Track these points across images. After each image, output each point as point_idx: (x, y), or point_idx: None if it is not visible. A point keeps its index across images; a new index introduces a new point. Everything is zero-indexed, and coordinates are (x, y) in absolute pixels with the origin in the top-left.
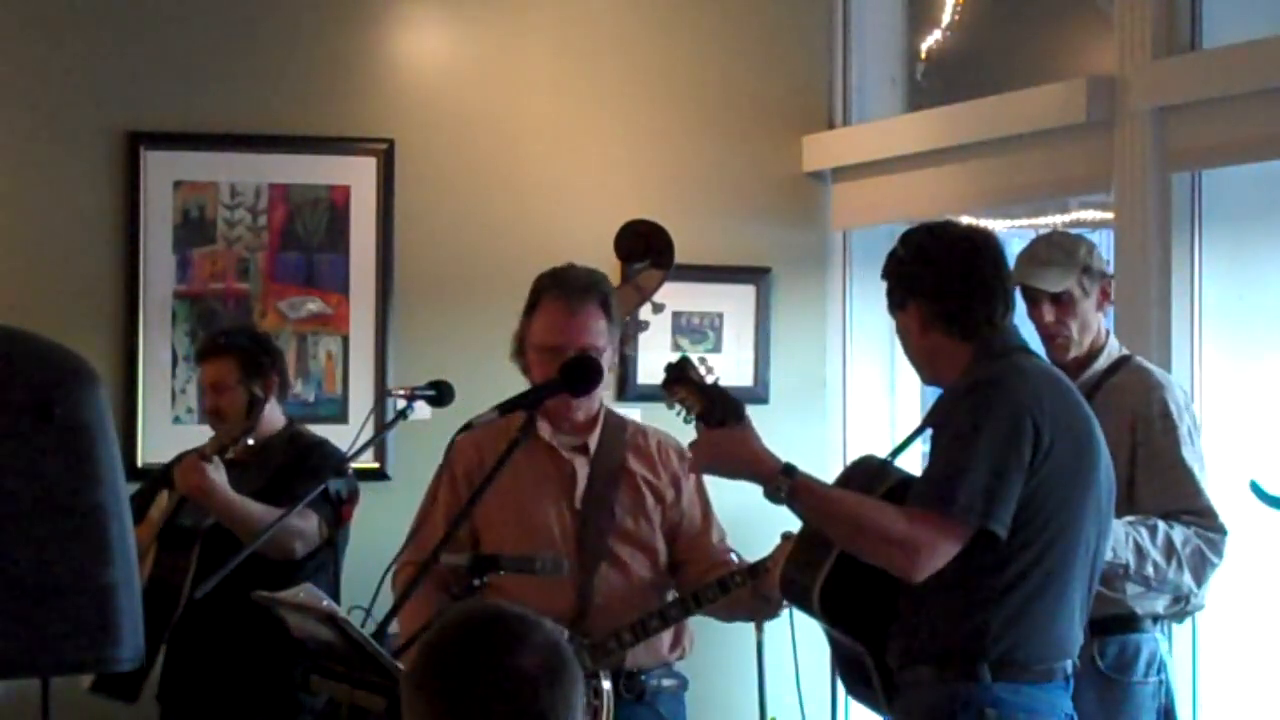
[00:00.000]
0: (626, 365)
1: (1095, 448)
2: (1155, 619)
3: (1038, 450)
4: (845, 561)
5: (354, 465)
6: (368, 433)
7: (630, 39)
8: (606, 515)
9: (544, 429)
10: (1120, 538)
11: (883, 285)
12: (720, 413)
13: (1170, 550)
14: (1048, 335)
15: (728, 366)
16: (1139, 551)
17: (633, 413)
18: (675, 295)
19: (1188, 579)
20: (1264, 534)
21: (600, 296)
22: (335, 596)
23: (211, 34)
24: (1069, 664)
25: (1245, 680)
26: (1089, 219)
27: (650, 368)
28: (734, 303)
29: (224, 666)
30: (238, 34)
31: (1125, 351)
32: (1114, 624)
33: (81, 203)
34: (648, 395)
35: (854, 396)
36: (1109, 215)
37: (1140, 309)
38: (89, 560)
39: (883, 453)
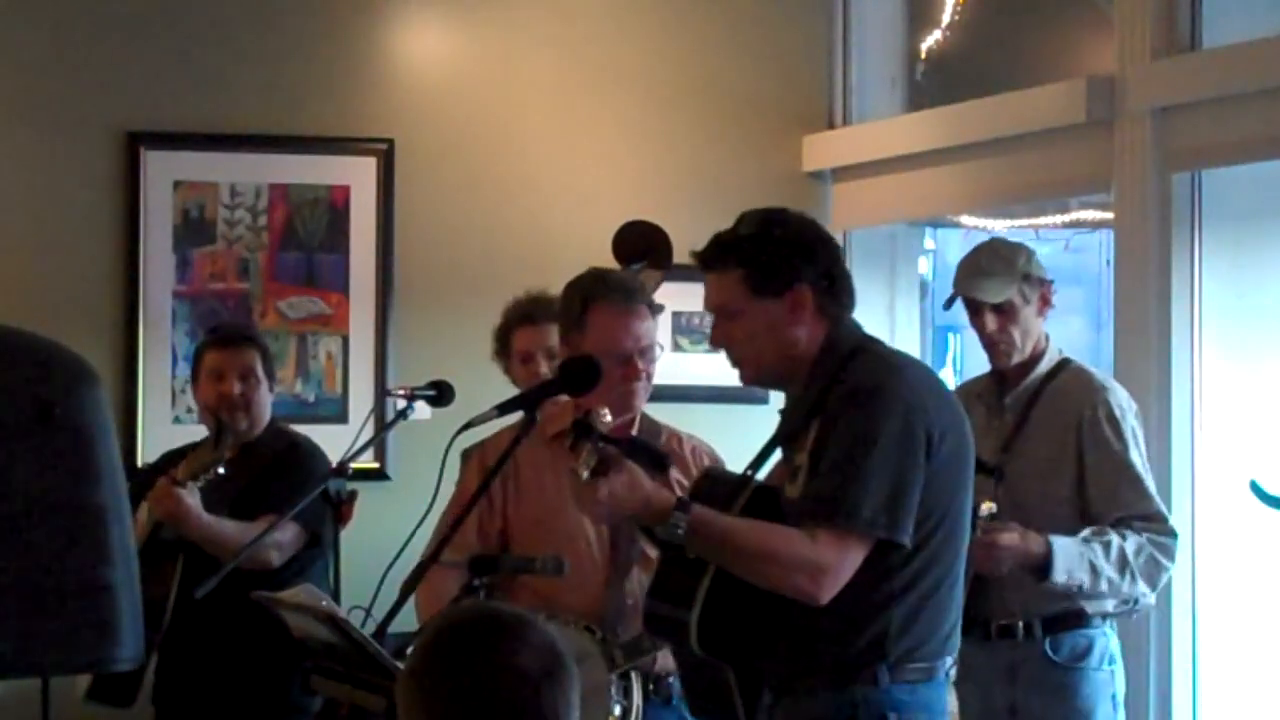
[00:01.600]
0: None
1: (970, 439)
2: (1104, 616)
3: (930, 451)
4: (715, 593)
5: (354, 465)
6: (368, 433)
7: (630, 39)
8: (632, 524)
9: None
10: (1074, 557)
11: (878, 283)
12: (642, 462)
13: (1124, 564)
14: (991, 343)
15: (728, 366)
16: (1093, 571)
17: None
18: (675, 295)
19: (1141, 587)
20: (1264, 534)
21: (645, 297)
22: (335, 596)
23: (211, 34)
24: (950, 661)
25: (1245, 680)
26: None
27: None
28: None
29: (219, 668)
30: (238, 34)
31: (1065, 355)
32: (1066, 620)
33: (81, 203)
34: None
35: None
36: (1109, 215)
37: (1140, 309)
38: (89, 560)
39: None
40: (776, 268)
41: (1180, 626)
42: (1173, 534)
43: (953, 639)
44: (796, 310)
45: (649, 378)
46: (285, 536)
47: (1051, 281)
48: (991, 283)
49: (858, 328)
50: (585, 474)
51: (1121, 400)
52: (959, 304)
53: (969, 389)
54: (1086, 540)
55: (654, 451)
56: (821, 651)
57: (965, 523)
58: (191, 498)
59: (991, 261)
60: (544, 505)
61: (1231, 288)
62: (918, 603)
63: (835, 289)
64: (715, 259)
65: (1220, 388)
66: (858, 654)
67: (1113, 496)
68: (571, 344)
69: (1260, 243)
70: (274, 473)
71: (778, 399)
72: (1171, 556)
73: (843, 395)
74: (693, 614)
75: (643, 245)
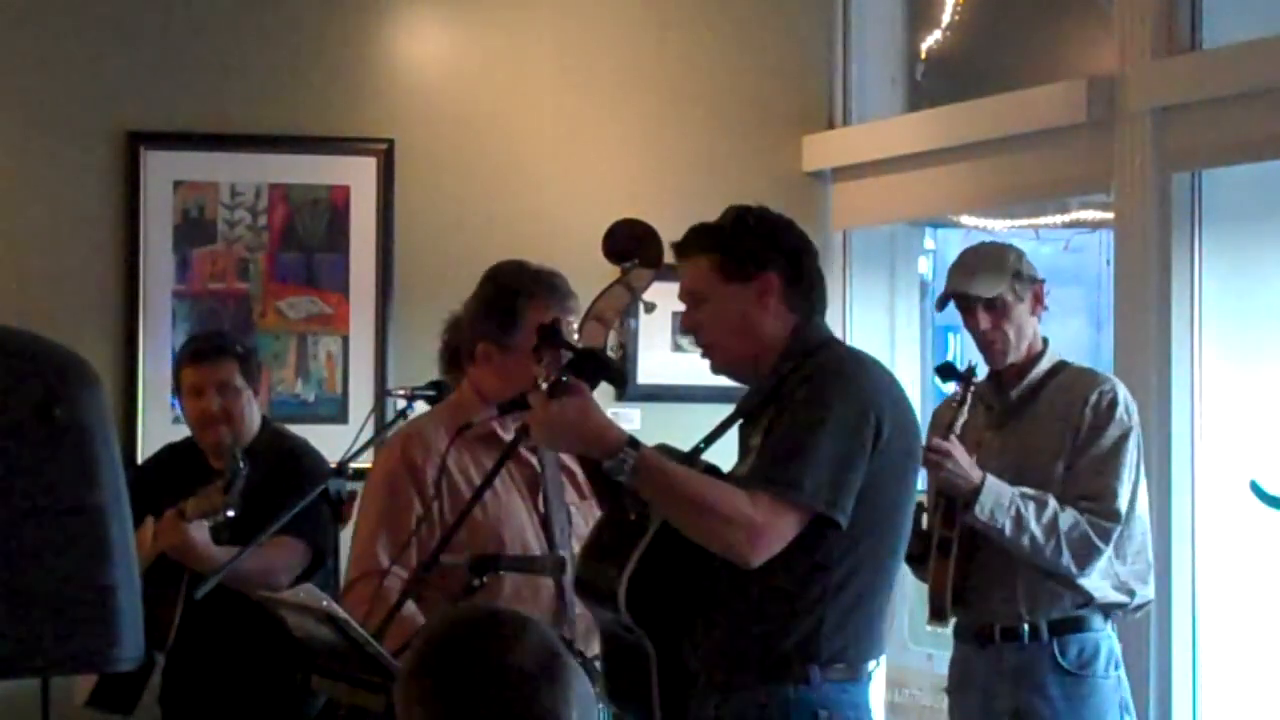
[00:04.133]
0: (626, 365)
1: (919, 438)
2: (1106, 616)
3: (877, 442)
4: (647, 560)
5: (354, 465)
6: (368, 433)
7: (630, 39)
8: (563, 515)
9: (498, 426)
10: (1004, 503)
11: (878, 283)
12: (591, 376)
13: (1053, 530)
14: (985, 342)
15: None
16: (1018, 522)
17: (634, 413)
18: (675, 295)
19: (1066, 560)
20: (1264, 534)
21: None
22: (335, 596)
23: (211, 34)
24: (875, 663)
25: (1245, 680)
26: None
27: (650, 368)
28: None
29: (227, 671)
30: (237, 34)
31: (1063, 357)
32: (1070, 624)
33: (81, 203)
34: (648, 395)
35: None
36: (1109, 215)
37: (1140, 309)
38: (89, 560)
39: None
40: (745, 253)
41: (1180, 626)
42: (1115, 518)
43: (881, 641)
44: (763, 296)
45: None
46: (294, 558)
47: (1044, 281)
48: (981, 279)
49: (827, 330)
50: (543, 385)
51: (1123, 394)
52: (953, 307)
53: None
54: (1024, 495)
55: (612, 367)
56: (752, 644)
57: (903, 528)
58: (199, 532)
59: (981, 260)
60: (486, 507)
61: (1231, 288)
62: (853, 601)
63: (804, 282)
64: (689, 245)
65: (1220, 388)
66: (789, 650)
67: (1074, 475)
68: (497, 340)
69: (1260, 243)
70: (276, 484)
71: None
72: (1107, 540)
73: (802, 378)
74: (624, 575)
75: (633, 244)
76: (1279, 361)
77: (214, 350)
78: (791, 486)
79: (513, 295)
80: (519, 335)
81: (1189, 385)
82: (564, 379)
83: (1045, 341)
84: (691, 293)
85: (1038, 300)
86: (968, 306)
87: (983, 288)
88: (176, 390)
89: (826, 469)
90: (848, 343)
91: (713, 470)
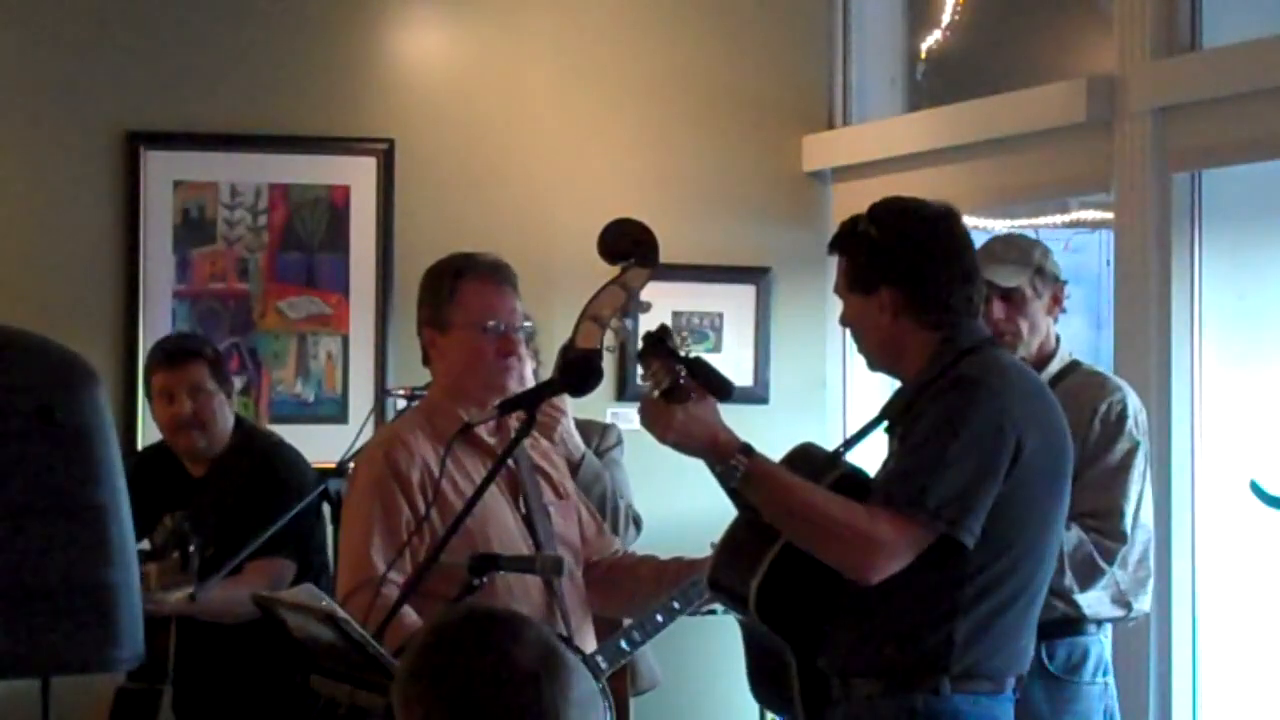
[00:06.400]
0: (626, 365)
1: (1068, 452)
2: (1099, 623)
3: (1017, 457)
4: (780, 565)
5: (354, 465)
6: (368, 433)
7: (630, 39)
8: (544, 516)
9: (482, 429)
10: None
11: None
12: (706, 385)
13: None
14: (996, 332)
15: (728, 366)
16: None
17: (633, 413)
18: (675, 295)
19: (1068, 581)
20: (1264, 534)
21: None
22: (333, 593)
23: (211, 34)
24: (1017, 677)
25: (1245, 680)
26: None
27: None
28: (734, 303)
29: (235, 690)
30: (238, 34)
31: (1076, 358)
32: (1061, 627)
33: (81, 203)
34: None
35: (854, 396)
36: (1109, 215)
37: (1140, 309)
38: (89, 560)
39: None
40: (864, 267)
41: (1180, 627)
42: (1121, 539)
43: (1025, 655)
44: (885, 310)
45: (521, 361)
46: (286, 577)
47: (1065, 283)
48: (1003, 268)
49: (980, 333)
50: (656, 392)
51: (1133, 403)
52: None
53: None
54: None
55: (721, 379)
56: (880, 653)
57: (1051, 540)
58: (170, 599)
59: (1006, 249)
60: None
61: (1231, 288)
62: (989, 616)
63: (933, 296)
64: (833, 244)
65: (1220, 388)
66: (918, 661)
67: (1080, 489)
68: (436, 323)
69: (1260, 243)
70: (251, 497)
71: (778, 399)
72: (1111, 561)
73: (941, 387)
74: (754, 580)
75: (629, 243)
76: (1279, 362)
77: (184, 353)
78: (914, 504)
79: (449, 275)
80: (454, 313)
81: (1189, 385)
82: (681, 382)
83: (1058, 341)
84: (836, 292)
85: (1056, 301)
86: (985, 294)
87: (1003, 277)
88: (147, 394)
89: (956, 484)
90: (993, 351)
91: (857, 473)
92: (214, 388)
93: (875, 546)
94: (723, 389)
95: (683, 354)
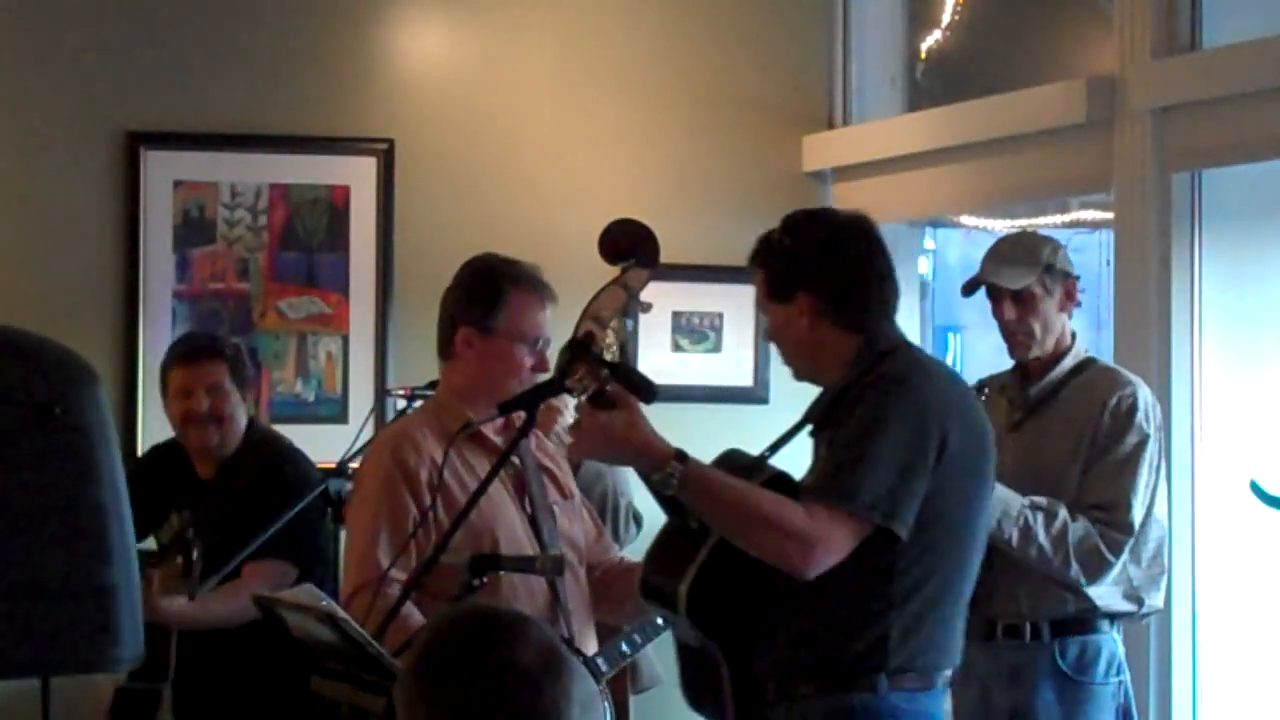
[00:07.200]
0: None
1: (989, 454)
2: (1112, 619)
3: (942, 452)
4: (710, 568)
5: (354, 465)
6: (368, 433)
7: (630, 39)
8: (549, 516)
9: (487, 427)
10: (1012, 513)
11: None
12: (630, 388)
13: (1061, 542)
14: (1009, 333)
15: (728, 366)
16: (1025, 533)
17: None
18: (675, 295)
19: (1074, 572)
20: (1264, 534)
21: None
22: (335, 596)
23: (211, 34)
24: (949, 672)
25: (1245, 680)
26: (1089, 219)
27: (650, 368)
28: (734, 303)
29: (235, 692)
30: (237, 34)
31: (1091, 354)
32: (1073, 625)
33: (81, 203)
34: None
35: None
36: (1109, 215)
37: (1140, 309)
38: (89, 560)
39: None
40: (780, 275)
41: (1180, 626)
42: (1128, 530)
43: (954, 650)
44: (804, 315)
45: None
46: (282, 581)
47: (1078, 278)
48: (1012, 270)
49: (897, 335)
50: (582, 398)
51: (1145, 398)
52: (981, 295)
53: (993, 381)
54: (1034, 504)
55: (645, 381)
56: (816, 653)
57: (975, 535)
58: (171, 606)
59: (1014, 249)
60: (474, 509)
61: (1231, 288)
62: (920, 610)
63: (852, 299)
64: (752, 258)
65: (1220, 388)
66: (854, 659)
67: (1089, 481)
68: (480, 324)
69: (1260, 243)
70: (257, 499)
71: (778, 399)
72: (1118, 553)
73: (865, 386)
74: (684, 584)
75: (630, 243)
76: (1279, 362)
77: (205, 351)
78: (847, 498)
79: (498, 279)
80: (502, 320)
81: (1189, 385)
82: (607, 390)
83: (1074, 338)
84: (758, 305)
85: (1069, 296)
86: (996, 295)
87: (1011, 279)
88: (163, 391)
89: (886, 479)
90: (912, 351)
91: (782, 477)
92: (231, 387)
93: (813, 541)
94: (646, 390)
95: (607, 359)
